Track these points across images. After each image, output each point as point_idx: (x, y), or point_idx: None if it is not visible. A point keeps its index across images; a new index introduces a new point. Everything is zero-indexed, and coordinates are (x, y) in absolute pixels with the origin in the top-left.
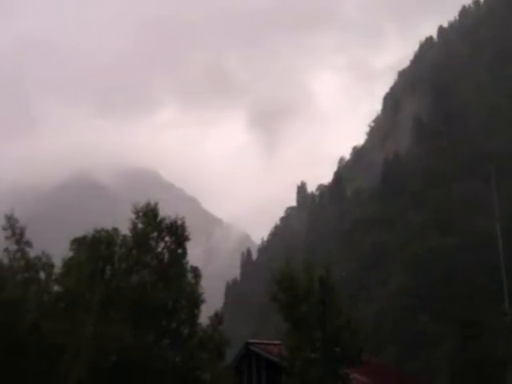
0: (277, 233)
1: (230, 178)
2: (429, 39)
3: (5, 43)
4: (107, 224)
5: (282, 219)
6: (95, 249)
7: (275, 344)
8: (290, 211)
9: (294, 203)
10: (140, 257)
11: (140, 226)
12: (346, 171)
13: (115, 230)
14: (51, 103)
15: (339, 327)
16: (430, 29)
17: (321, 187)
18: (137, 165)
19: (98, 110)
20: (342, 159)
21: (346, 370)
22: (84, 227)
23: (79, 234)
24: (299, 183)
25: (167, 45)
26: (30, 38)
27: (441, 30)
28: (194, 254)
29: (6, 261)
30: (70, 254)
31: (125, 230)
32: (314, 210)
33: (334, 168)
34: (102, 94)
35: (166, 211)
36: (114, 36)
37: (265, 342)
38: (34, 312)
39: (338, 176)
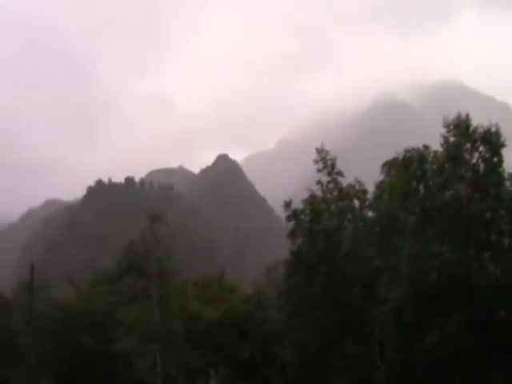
0: None
1: None
2: None
3: None
4: (415, 143)
5: None
6: (407, 169)
7: None
8: None
9: None
10: (453, 171)
11: (452, 139)
12: None
13: (426, 147)
14: (349, 32)
15: None
16: None
17: None
18: (440, 77)
19: (393, 29)
20: None
21: None
22: (393, 149)
23: (389, 157)
24: None
25: None
26: None
27: None
28: (509, 161)
29: (319, 193)
30: (382, 177)
31: (435, 145)
32: None
33: None
34: (394, 11)
35: (477, 120)
36: None
37: None
38: (350, 239)
39: None
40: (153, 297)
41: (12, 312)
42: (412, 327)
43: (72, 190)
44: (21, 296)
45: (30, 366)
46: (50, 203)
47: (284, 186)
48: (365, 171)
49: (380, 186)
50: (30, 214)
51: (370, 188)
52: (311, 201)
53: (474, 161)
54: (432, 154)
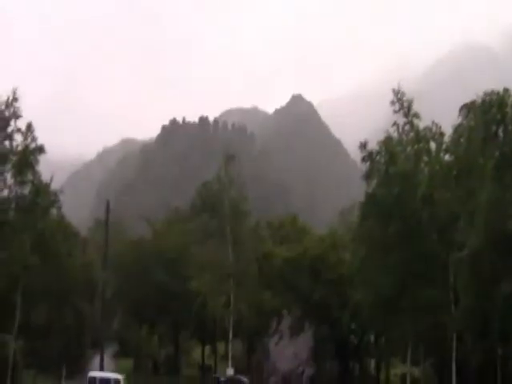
0: None
1: None
2: None
3: None
4: (496, 87)
5: None
6: (486, 112)
7: None
8: None
9: None
10: None
11: None
12: None
13: (506, 90)
14: None
15: None
16: None
17: None
18: None
19: None
20: None
21: None
22: (473, 92)
23: (468, 100)
24: None
25: None
26: None
27: None
28: None
29: (395, 135)
30: (460, 120)
31: None
32: None
33: None
34: None
35: None
36: None
37: None
38: (427, 183)
39: None
40: (227, 236)
41: (88, 249)
42: (488, 274)
43: (147, 129)
44: (96, 233)
45: (106, 301)
46: (125, 142)
47: (360, 128)
48: (443, 114)
49: (458, 130)
50: (106, 153)
51: (448, 131)
52: (387, 142)
53: None
54: None
